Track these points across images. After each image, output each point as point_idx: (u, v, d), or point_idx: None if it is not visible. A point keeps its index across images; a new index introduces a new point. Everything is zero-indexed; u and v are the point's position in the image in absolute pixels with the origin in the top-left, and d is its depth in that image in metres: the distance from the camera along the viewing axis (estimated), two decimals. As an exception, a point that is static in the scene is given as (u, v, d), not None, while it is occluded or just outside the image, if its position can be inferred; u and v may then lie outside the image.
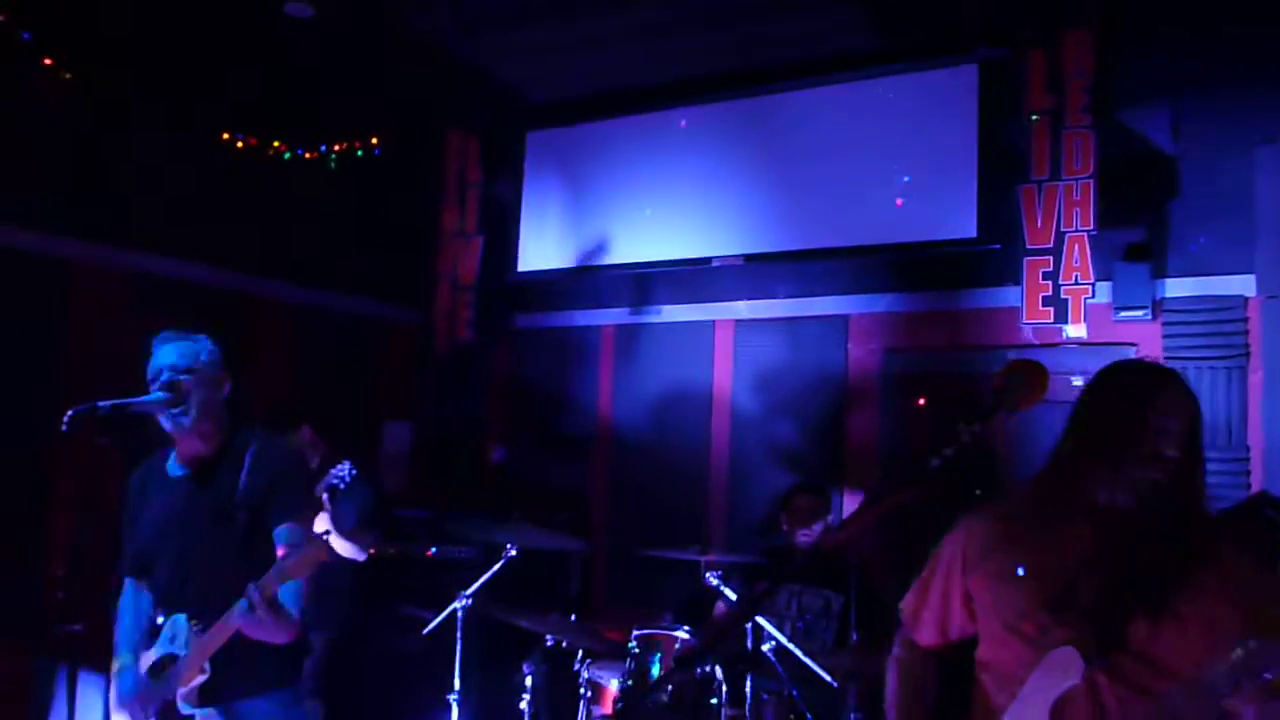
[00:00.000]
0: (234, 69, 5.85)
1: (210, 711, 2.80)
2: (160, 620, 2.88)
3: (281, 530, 2.87)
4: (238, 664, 2.76)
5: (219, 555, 2.85)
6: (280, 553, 2.80)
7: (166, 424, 2.89)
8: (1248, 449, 4.76)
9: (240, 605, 2.64)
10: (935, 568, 2.30)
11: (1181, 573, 1.99)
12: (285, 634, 2.74)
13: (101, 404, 2.73)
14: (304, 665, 3.06)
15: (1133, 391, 2.12)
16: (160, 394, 2.85)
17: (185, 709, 2.76)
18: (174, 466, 3.02)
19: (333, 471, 4.14)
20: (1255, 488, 4.59)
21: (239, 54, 5.74)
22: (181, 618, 2.81)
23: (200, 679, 2.74)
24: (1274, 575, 2.12)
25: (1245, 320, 4.87)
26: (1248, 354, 4.84)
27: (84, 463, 3.81)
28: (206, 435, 2.95)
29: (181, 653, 2.79)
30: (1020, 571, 2.10)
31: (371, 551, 4.78)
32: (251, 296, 6.30)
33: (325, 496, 4.16)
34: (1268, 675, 1.75)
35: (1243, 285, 4.90)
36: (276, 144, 6.26)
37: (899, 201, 5.57)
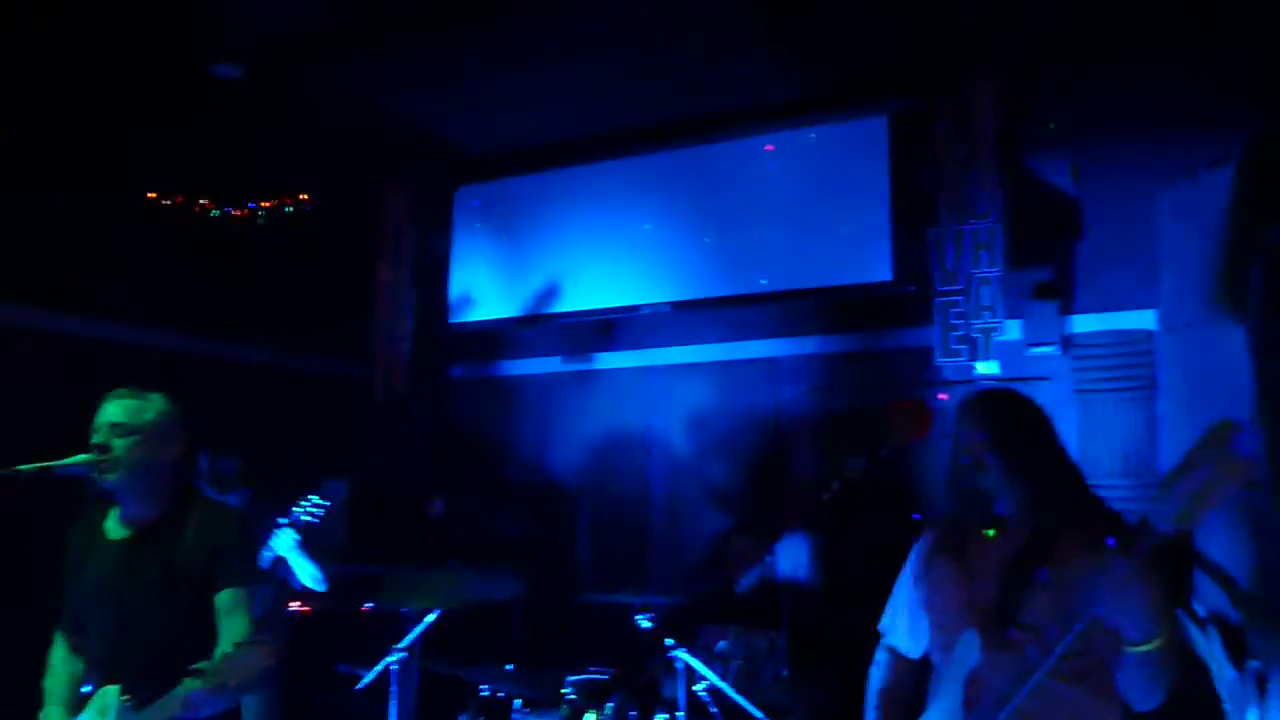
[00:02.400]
0: (160, 128, 5.86)
1: None
2: (89, 689, 2.79)
3: (223, 596, 2.80)
4: None
5: (156, 627, 2.77)
6: (221, 622, 2.77)
7: (99, 485, 2.82)
8: (1155, 475, 4.96)
9: (178, 694, 2.58)
10: (900, 581, 2.59)
11: (1049, 551, 2.25)
12: (227, 703, 2.72)
13: (23, 468, 2.68)
14: None
15: (954, 430, 2.44)
16: (86, 456, 2.79)
17: None
18: (115, 527, 2.93)
19: (303, 506, 4.22)
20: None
21: (165, 113, 5.75)
22: (113, 690, 2.69)
23: None
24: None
25: (1150, 353, 5.08)
26: (1153, 385, 5.05)
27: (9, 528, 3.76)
28: (145, 498, 2.87)
29: None
30: (947, 579, 2.41)
31: (325, 585, 4.75)
32: (181, 355, 6.25)
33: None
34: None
35: (1146, 320, 5.12)
36: (204, 201, 6.27)
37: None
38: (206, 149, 6.17)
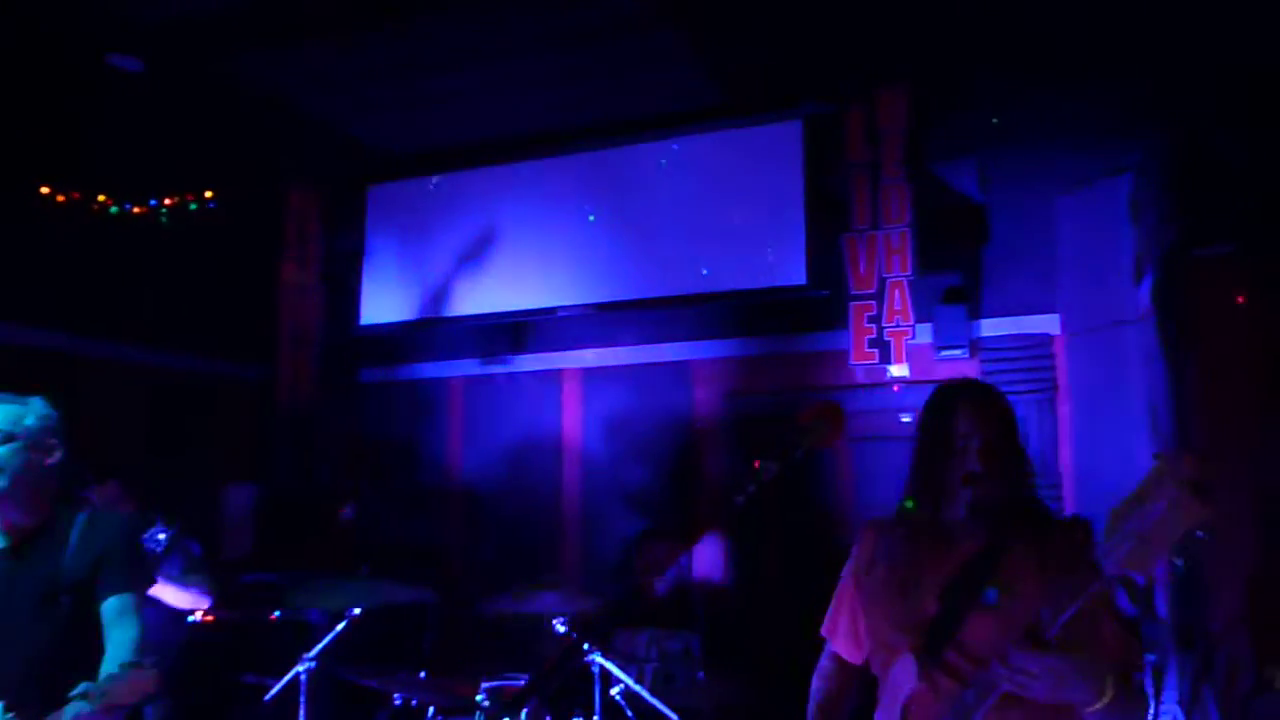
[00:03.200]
0: (53, 120, 5.62)
1: None
2: None
3: (110, 603, 2.69)
4: None
5: (40, 641, 2.64)
6: (109, 631, 2.66)
7: None
8: (1059, 474, 5.11)
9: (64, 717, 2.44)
10: (840, 583, 2.42)
11: (998, 569, 2.10)
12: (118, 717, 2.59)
13: None
14: None
15: (933, 422, 2.25)
16: None
17: None
18: None
19: (145, 536, 4.00)
20: (1067, 510, 4.92)
21: (58, 105, 5.52)
22: None
23: None
24: (1082, 544, 2.05)
25: (1052, 356, 5.24)
26: (1056, 387, 5.20)
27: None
28: (26, 507, 2.74)
29: None
30: (886, 587, 2.25)
31: (209, 600, 4.53)
32: (78, 357, 6.02)
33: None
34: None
35: (1049, 324, 5.28)
36: (102, 198, 6.03)
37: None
38: (105, 143, 5.94)
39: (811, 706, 2.43)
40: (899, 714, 2.12)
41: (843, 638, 2.39)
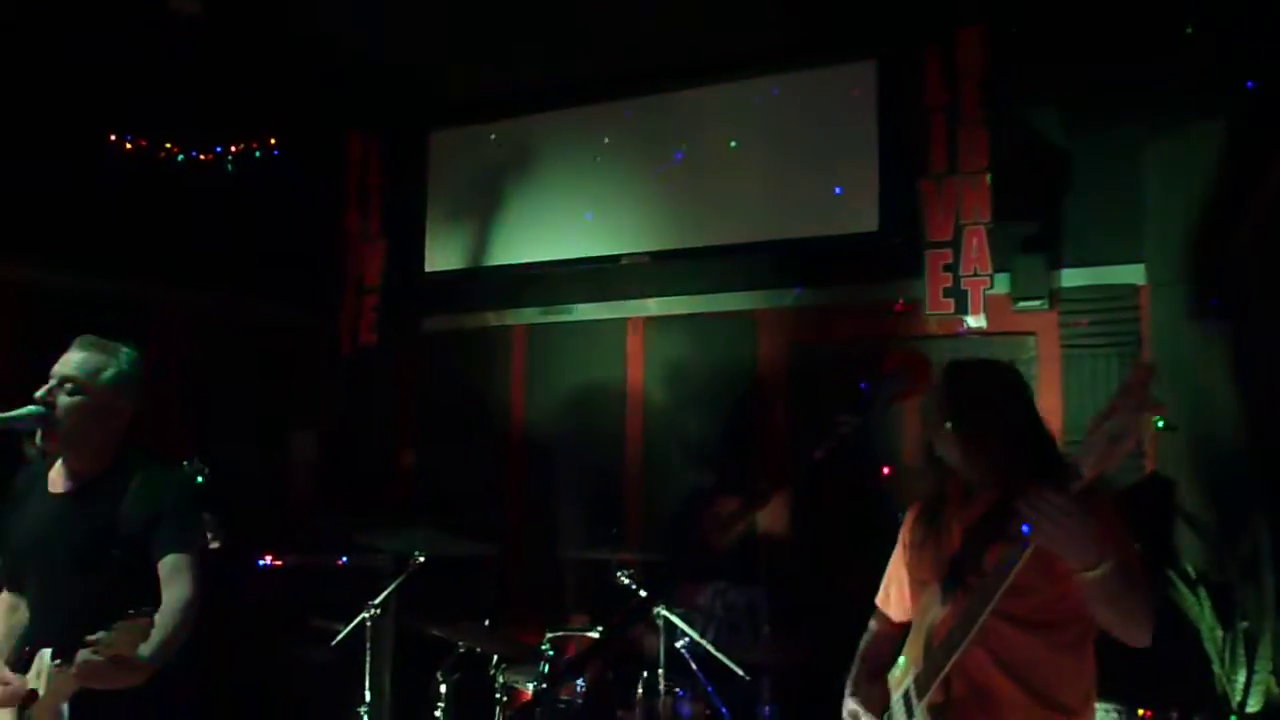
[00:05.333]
0: (119, 67, 5.62)
1: None
2: (28, 648, 2.67)
3: (164, 561, 2.69)
4: (103, 709, 2.51)
5: (89, 591, 2.65)
6: (164, 589, 2.67)
7: (38, 440, 2.71)
8: (1141, 430, 4.92)
9: (76, 659, 2.41)
10: (896, 552, 2.65)
11: (1010, 512, 2.14)
12: (135, 679, 2.49)
13: None
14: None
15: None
16: (31, 409, 2.67)
17: None
18: (58, 479, 2.82)
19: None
20: (1150, 467, 4.75)
21: (123, 52, 5.51)
22: (47, 652, 2.56)
23: None
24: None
25: (1137, 309, 5.03)
26: (1140, 341, 5.00)
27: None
28: (88, 455, 2.76)
29: (41, 691, 2.55)
30: (924, 545, 2.47)
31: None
32: (146, 304, 6.08)
33: None
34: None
35: (1133, 275, 5.06)
36: (169, 145, 6.05)
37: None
38: (170, 90, 5.93)
39: (858, 654, 2.65)
40: (924, 638, 2.30)
41: (893, 603, 2.64)
